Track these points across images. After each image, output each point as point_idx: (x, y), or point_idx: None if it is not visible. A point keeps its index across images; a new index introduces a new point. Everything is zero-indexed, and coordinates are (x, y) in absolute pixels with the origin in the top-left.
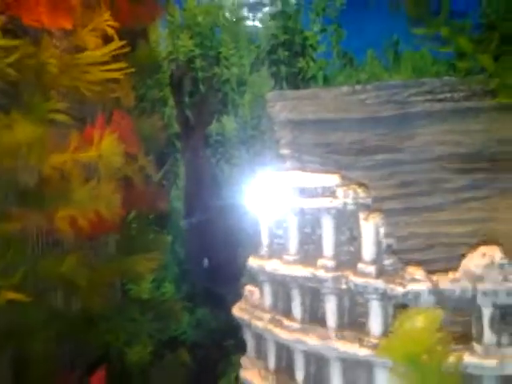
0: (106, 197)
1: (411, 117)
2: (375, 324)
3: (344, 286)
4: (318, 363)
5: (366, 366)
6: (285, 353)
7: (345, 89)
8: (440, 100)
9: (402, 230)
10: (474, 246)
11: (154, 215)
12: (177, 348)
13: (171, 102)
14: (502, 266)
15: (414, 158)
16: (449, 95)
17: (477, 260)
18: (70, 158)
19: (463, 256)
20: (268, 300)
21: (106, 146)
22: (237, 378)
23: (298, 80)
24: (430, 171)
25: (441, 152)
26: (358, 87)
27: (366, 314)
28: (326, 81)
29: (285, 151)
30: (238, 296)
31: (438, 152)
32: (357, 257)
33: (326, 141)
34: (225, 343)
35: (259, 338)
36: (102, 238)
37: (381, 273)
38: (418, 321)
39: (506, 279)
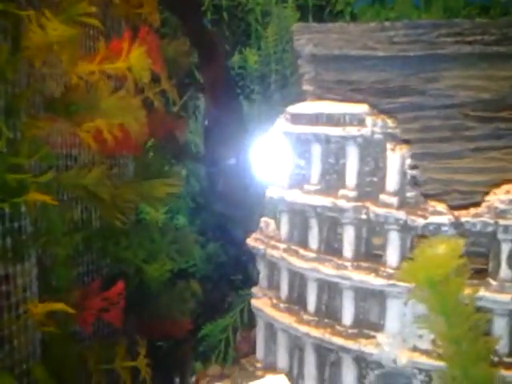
0: (133, 110)
1: (438, 58)
2: (393, 255)
3: (364, 217)
4: (330, 293)
5: (379, 297)
6: (298, 282)
7: (373, 25)
8: (469, 42)
9: (419, 175)
10: (497, 184)
11: (171, 146)
12: (187, 279)
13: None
14: None
15: (438, 103)
16: (479, 38)
17: (500, 196)
18: (98, 68)
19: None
20: (285, 230)
21: (135, 58)
22: (243, 311)
23: (324, 14)
24: (452, 117)
25: (465, 98)
26: (387, 24)
27: (383, 247)
28: (353, 17)
29: (307, 87)
30: (250, 233)
31: (462, 97)
32: (379, 188)
33: (350, 78)
34: (233, 278)
35: (272, 267)
36: (123, 160)
37: (402, 204)
38: (440, 248)
39: None
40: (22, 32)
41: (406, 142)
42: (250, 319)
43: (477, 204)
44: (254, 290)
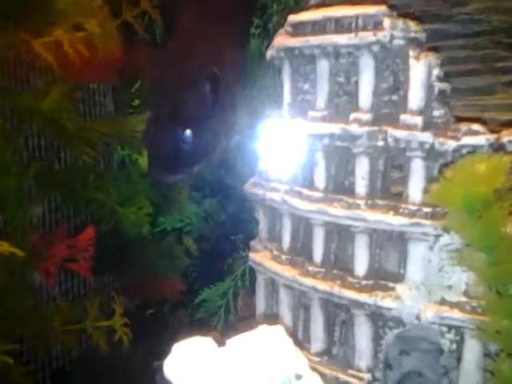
0: (99, 17)
1: None
2: (416, 189)
3: (381, 143)
4: (340, 239)
5: (399, 241)
6: (302, 230)
7: None
8: None
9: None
10: None
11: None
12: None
13: None
14: None
15: (466, 30)
16: None
17: None
18: None
19: None
20: (287, 168)
21: None
22: (244, 273)
23: None
24: (483, 46)
25: (498, 22)
26: None
27: (403, 182)
28: None
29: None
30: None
31: (495, 22)
32: (400, 109)
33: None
34: (233, 237)
35: (273, 215)
36: (99, 98)
37: (429, 125)
38: (482, 166)
39: None
40: None
41: (434, 49)
42: (252, 283)
43: None
44: (253, 242)
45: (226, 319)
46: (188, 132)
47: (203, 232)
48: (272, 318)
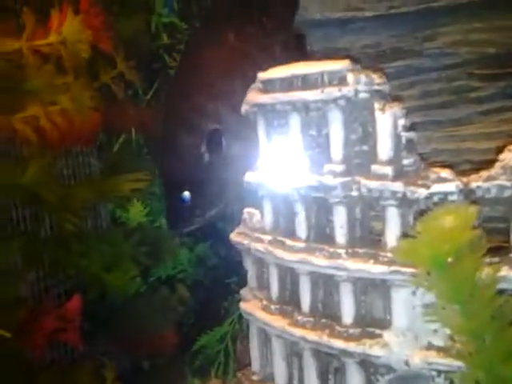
0: (72, 91)
1: (433, 13)
2: (392, 236)
3: (355, 193)
4: (326, 288)
5: (382, 288)
6: (289, 280)
7: None
8: None
9: (423, 147)
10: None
11: (144, 141)
12: (172, 285)
13: (160, 7)
14: None
15: (437, 64)
16: None
17: None
18: (26, 46)
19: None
20: (269, 219)
21: (69, 30)
22: (242, 316)
23: None
24: (455, 78)
25: (467, 55)
26: None
27: (380, 230)
28: None
29: None
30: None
31: (465, 55)
32: (371, 158)
33: (335, 46)
34: (228, 281)
35: (260, 264)
36: (84, 158)
37: (399, 174)
38: (447, 220)
39: None
40: None
41: (398, 98)
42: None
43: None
44: (243, 291)
45: (226, 364)
46: (186, 192)
47: (197, 277)
48: (268, 368)
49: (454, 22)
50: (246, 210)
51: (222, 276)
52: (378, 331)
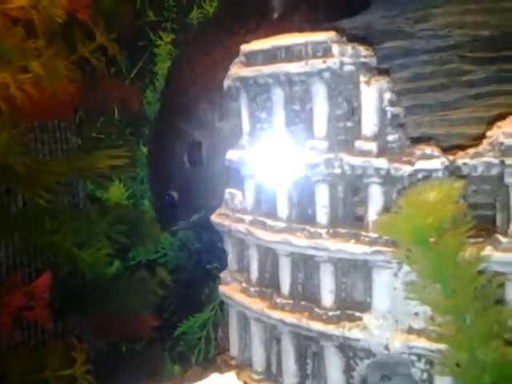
0: (44, 58)
1: None
2: (375, 215)
3: (338, 171)
4: (306, 270)
5: (364, 269)
6: (269, 261)
7: None
8: None
9: (412, 131)
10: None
11: (126, 120)
12: (153, 268)
13: None
14: None
15: (428, 46)
16: None
17: (507, 129)
18: None
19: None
20: (250, 200)
21: None
22: (223, 302)
23: None
24: (447, 61)
25: (460, 37)
26: None
27: (364, 207)
28: None
29: None
30: None
31: (457, 37)
32: (355, 135)
33: (325, 26)
34: (209, 266)
35: (241, 246)
36: (62, 134)
37: (384, 150)
38: (430, 194)
39: None
40: None
41: (385, 71)
42: None
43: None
44: (223, 274)
45: (207, 351)
46: (172, 194)
47: (179, 262)
48: (246, 353)
49: (446, 3)
50: (228, 190)
51: (204, 261)
52: (357, 314)
